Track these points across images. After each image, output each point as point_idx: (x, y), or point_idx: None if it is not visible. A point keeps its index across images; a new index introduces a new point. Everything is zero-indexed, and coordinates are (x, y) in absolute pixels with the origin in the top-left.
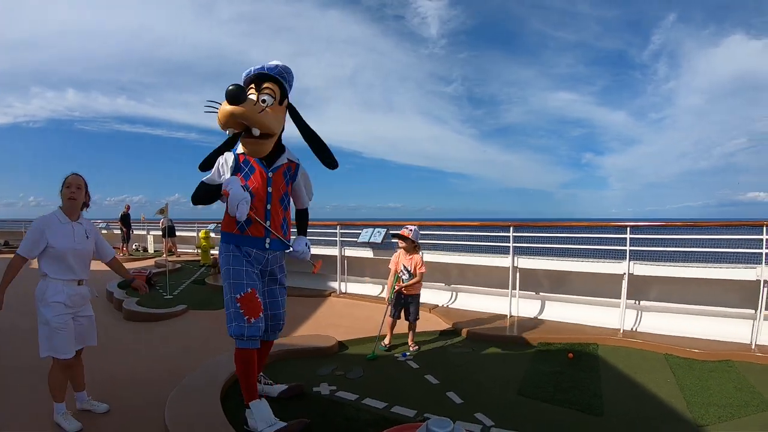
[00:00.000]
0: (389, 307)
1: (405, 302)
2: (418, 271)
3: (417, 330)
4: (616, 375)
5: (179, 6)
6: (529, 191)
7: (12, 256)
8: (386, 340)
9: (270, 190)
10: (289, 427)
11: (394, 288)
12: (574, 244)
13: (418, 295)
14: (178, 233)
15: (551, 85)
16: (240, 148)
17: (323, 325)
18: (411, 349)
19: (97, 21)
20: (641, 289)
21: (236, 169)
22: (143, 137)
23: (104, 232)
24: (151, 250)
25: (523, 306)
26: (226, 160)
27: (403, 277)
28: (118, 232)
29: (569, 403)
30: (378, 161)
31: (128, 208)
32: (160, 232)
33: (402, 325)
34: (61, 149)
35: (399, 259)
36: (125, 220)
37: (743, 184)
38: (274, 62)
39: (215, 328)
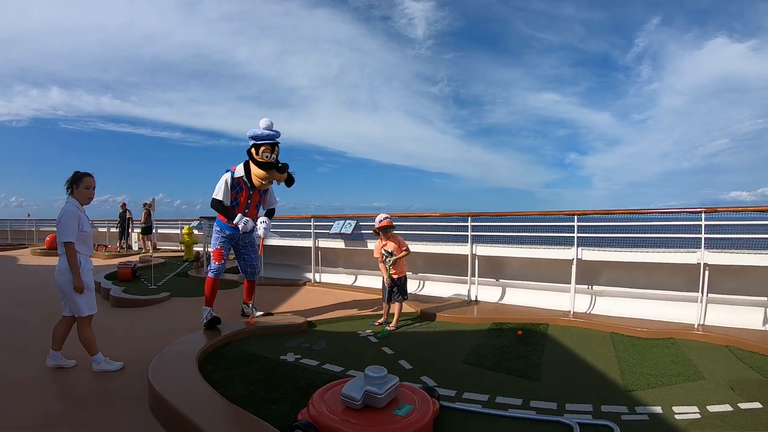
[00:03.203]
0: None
1: (393, 284)
2: (401, 250)
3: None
4: (560, 349)
5: (165, 3)
6: (512, 190)
7: None
8: (381, 320)
9: (249, 201)
10: (213, 319)
11: (389, 271)
12: (528, 232)
13: (405, 277)
14: (161, 230)
15: (535, 86)
16: (237, 173)
17: (295, 309)
18: (390, 327)
19: (80, 17)
20: (593, 275)
21: (232, 186)
22: (127, 136)
23: (102, 230)
24: (135, 247)
25: (482, 292)
26: (227, 180)
27: (388, 260)
28: (115, 230)
29: (509, 370)
30: (362, 161)
31: (124, 206)
32: (140, 230)
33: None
34: (43, 149)
35: (380, 246)
36: (123, 218)
37: (725, 183)
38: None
39: (196, 311)
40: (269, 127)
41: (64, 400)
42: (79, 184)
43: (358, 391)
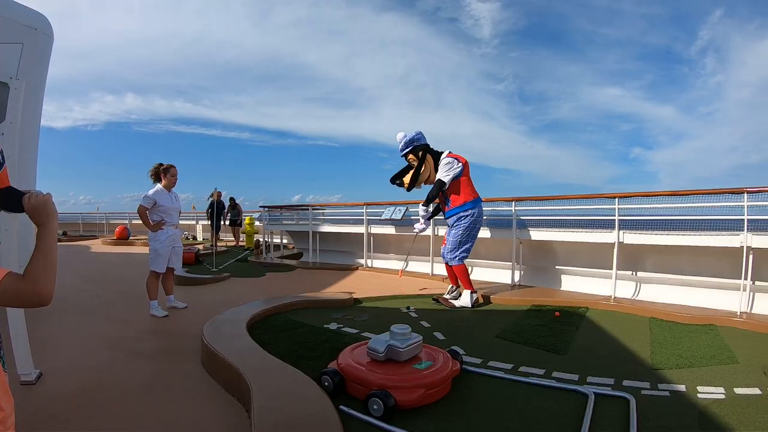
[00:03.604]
0: None
1: None
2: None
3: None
4: (595, 330)
5: (237, 13)
6: (575, 186)
7: (70, 243)
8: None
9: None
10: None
11: None
12: (571, 216)
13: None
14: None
15: (599, 81)
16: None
17: (346, 289)
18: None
19: (156, 28)
20: (637, 261)
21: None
22: (198, 137)
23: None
24: (199, 238)
25: (525, 277)
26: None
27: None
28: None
29: (538, 345)
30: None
31: (219, 195)
32: (207, 222)
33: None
34: (115, 151)
35: None
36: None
37: None
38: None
39: (251, 289)
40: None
41: (127, 352)
42: (165, 173)
43: (382, 344)
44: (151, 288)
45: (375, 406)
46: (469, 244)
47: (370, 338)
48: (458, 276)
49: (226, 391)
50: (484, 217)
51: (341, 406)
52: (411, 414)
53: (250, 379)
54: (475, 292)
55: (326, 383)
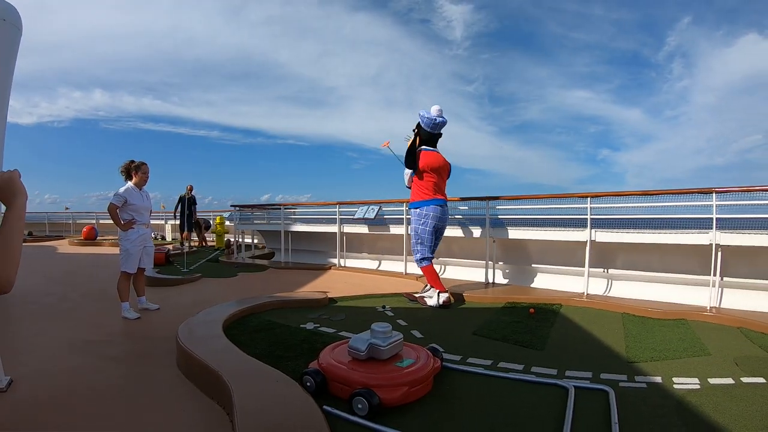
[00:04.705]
0: None
1: None
2: None
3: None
4: (569, 326)
5: (209, 9)
6: (545, 186)
7: (36, 244)
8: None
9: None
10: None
11: None
12: (543, 215)
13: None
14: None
15: (568, 84)
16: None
17: (319, 288)
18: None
19: (126, 23)
20: (608, 259)
21: None
22: (166, 135)
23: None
24: (168, 238)
25: (499, 275)
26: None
27: None
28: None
29: (516, 342)
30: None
31: (191, 189)
32: (177, 222)
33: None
34: (82, 149)
35: None
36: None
37: (760, 179)
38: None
39: (224, 290)
40: (440, 114)
41: (99, 356)
42: (137, 171)
43: (363, 343)
44: (123, 289)
45: (359, 405)
46: (420, 246)
47: (349, 337)
48: (426, 277)
49: (204, 394)
50: (452, 216)
51: (325, 406)
52: (395, 412)
53: (230, 381)
54: (446, 291)
55: (308, 383)
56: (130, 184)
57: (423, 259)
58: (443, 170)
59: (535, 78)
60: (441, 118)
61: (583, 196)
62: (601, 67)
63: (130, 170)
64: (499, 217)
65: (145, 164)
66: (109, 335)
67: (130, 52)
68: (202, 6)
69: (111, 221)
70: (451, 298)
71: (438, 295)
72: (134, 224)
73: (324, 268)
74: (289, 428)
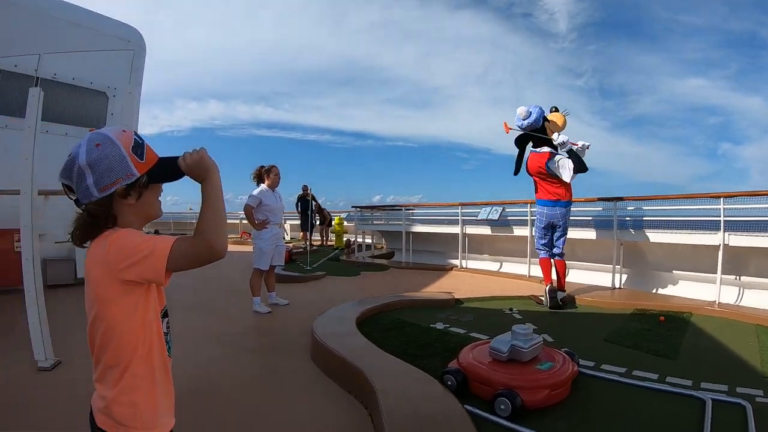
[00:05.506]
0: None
1: None
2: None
3: (532, 296)
4: (701, 335)
5: (313, 20)
6: (663, 185)
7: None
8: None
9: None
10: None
11: None
12: (672, 216)
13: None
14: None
15: (679, 72)
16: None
17: (443, 289)
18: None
19: (236, 40)
20: (740, 264)
21: None
22: (279, 140)
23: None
24: (287, 237)
25: (626, 279)
26: None
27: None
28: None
29: (648, 350)
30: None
31: (306, 189)
32: (298, 222)
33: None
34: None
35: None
36: (303, 203)
37: None
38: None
39: (348, 288)
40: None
41: (237, 347)
42: (269, 173)
43: (504, 344)
44: (255, 285)
45: (502, 406)
46: (537, 241)
47: (480, 339)
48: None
49: (342, 388)
50: (576, 218)
51: (466, 406)
52: (535, 414)
53: (372, 377)
54: (563, 290)
55: (449, 382)
56: (263, 186)
57: (540, 251)
58: None
59: (644, 67)
60: (523, 121)
61: (715, 197)
62: (714, 52)
63: (262, 174)
64: (627, 218)
65: (275, 167)
66: (244, 328)
67: (242, 65)
68: (305, 18)
69: (235, 221)
70: (556, 294)
71: (546, 289)
72: (268, 224)
73: (446, 268)
74: (437, 425)
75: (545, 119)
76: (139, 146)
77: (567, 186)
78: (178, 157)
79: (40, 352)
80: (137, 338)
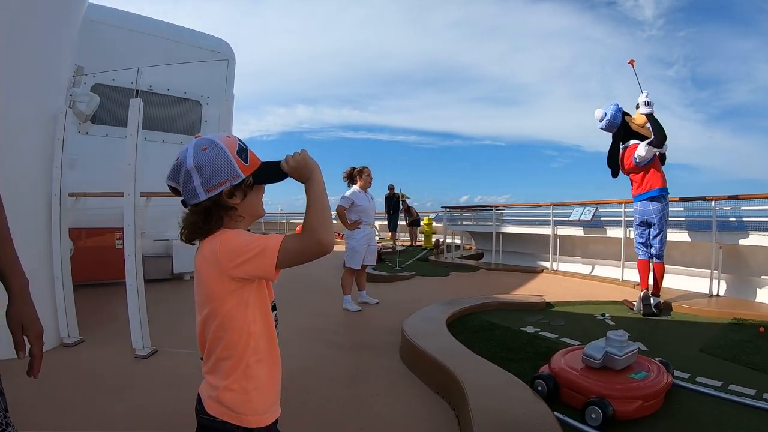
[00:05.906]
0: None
1: None
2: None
3: (624, 300)
4: None
5: (394, 22)
6: (763, 183)
7: None
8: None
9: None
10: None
11: None
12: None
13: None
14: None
15: None
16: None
17: (533, 291)
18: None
19: (319, 46)
20: None
21: None
22: (366, 142)
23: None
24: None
25: (724, 287)
26: None
27: None
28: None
29: (747, 363)
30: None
31: (392, 188)
32: (386, 222)
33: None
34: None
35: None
36: (390, 202)
37: None
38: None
39: (438, 288)
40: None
41: (327, 343)
42: (361, 174)
43: (598, 351)
44: (346, 283)
45: (593, 415)
46: (635, 240)
47: (571, 344)
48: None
49: (429, 387)
50: (671, 219)
51: (555, 412)
52: (626, 425)
53: (461, 377)
54: (657, 296)
55: (539, 388)
56: (355, 187)
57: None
58: None
59: (738, 53)
60: (600, 123)
61: None
62: None
63: (353, 175)
64: (731, 219)
65: (367, 168)
66: (334, 325)
67: (327, 70)
68: (386, 20)
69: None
70: (650, 300)
71: (640, 295)
72: (360, 224)
73: (536, 270)
74: (526, 430)
75: (624, 114)
76: (243, 150)
77: (656, 176)
78: (280, 161)
79: (138, 341)
80: (249, 331)
